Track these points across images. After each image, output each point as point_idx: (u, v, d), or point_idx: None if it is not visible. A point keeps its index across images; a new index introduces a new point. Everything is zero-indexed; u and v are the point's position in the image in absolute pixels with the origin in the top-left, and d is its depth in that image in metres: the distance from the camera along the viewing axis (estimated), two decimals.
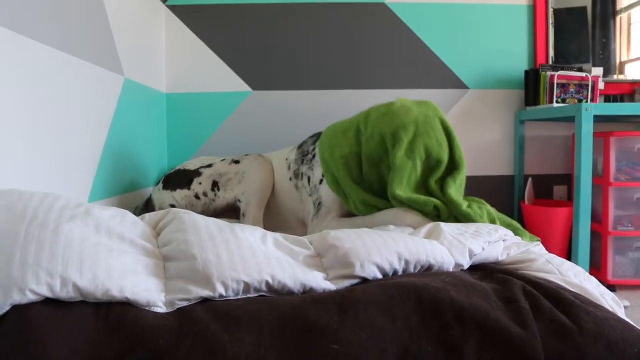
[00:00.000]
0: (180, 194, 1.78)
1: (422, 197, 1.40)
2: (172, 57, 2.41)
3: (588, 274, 1.05)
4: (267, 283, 0.84)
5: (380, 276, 0.92)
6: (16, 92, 1.16)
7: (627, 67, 2.50)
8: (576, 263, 1.79)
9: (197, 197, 1.77)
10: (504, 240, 1.17)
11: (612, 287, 2.13)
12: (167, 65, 2.40)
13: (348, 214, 1.60)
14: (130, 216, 0.97)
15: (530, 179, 2.45)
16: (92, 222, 0.86)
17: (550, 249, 1.26)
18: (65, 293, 0.74)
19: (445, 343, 0.70)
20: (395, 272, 0.94)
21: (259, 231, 0.98)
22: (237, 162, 1.81)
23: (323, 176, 1.61)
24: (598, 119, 2.04)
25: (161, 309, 0.77)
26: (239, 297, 0.82)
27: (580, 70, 2.35)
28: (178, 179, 1.82)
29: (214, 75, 2.42)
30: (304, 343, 0.69)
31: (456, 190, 1.43)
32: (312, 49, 2.43)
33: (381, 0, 2.43)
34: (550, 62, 2.46)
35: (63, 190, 1.38)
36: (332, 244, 0.95)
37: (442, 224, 1.16)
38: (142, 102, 2.07)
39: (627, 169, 2.16)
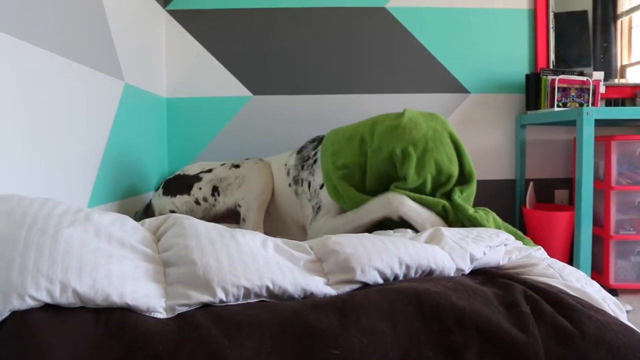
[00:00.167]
0: (180, 200, 1.78)
1: (431, 197, 1.41)
2: (172, 61, 2.41)
3: (589, 278, 1.05)
4: (268, 288, 0.83)
5: (381, 281, 0.91)
6: (17, 97, 1.16)
7: (628, 71, 2.50)
8: (578, 267, 1.78)
9: (197, 202, 1.76)
10: (505, 245, 1.17)
11: (614, 292, 2.12)
12: (167, 70, 2.41)
13: None
14: (130, 221, 0.97)
15: (531, 183, 2.44)
16: (92, 227, 0.86)
17: (551, 253, 1.26)
18: (65, 299, 0.74)
19: (446, 348, 0.70)
20: (396, 277, 0.93)
21: (260, 236, 0.98)
22: (236, 166, 1.81)
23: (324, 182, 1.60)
24: (599, 123, 2.04)
25: (161, 314, 0.77)
26: (239, 302, 0.82)
27: (581, 74, 2.35)
28: (178, 185, 1.82)
29: (214, 79, 2.42)
30: (304, 348, 0.69)
31: (463, 199, 1.43)
32: (312, 53, 2.44)
33: (381, 4, 2.43)
34: (551, 66, 2.46)
35: (63, 195, 1.38)
36: (332, 249, 0.95)
37: (443, 229, 1.16)
38: (142, 107, 2.07)
39: (628, 172, 2.16)
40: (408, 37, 2.44)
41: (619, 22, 2.48)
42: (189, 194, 1.77)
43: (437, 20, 2.44)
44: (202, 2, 2.40)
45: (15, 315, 0.71)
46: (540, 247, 1.25)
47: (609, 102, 2.48)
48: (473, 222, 1.36)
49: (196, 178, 1.80)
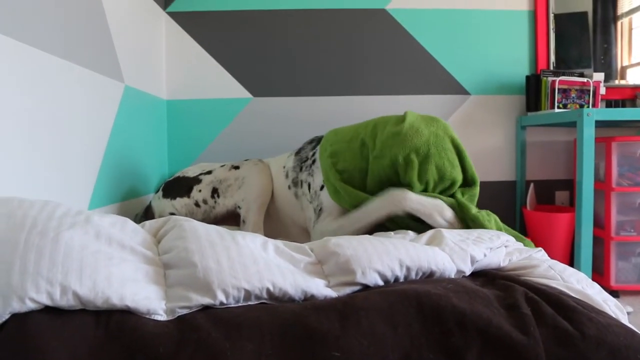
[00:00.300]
0: (180, 202, 1.77)
1: (437, 195, 1.43)
2: (172, 63, 2.41)
3: (590, 280, 1.05)
4: (268, 290, 0.83)
5: (381, 283, 0.91)
6: (17, 100, 1.16)
7: (629, 72, 2.50)
8: (578, 269, 1.78)
9: (197, 204, 1.76)
10: (505, 246, 1.16)
11: (615, 293, 2.12)
12: (168, 72, 2.41)
13: None
14: (131, 223, 0.97)
15: (531, 185, 2.44)
16: (92, 229, 0.86)
17: (552, 255, 1.25)
18: (65, 301, 0.74)
19: (447, 350, 0.69)
20: (396, 279, 0.93)
21: (260, 238, 0.98)
22: (236, 167, 1.81)
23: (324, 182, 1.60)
24: (599, 124, 2.04)
25: (161, 316, 0.76)
26: (240, 304, 0.82)
27: (582, 75, 2.35)
28: (177, 187, 1.81)
29: (215, 81, 2.42)
30: (304, 350, 0.68)
31: (466, 200, 1.43)
32: (312, 55, 2.44)
33: (381, 5, 2.43)
34: (551, 67, 2.46)
35: (63, 198, 1.38)
36: (333, 251, 0.94)
37: (444, 230, 1.16)
38: (143, 109, 2.07)
39: (629, 174, 2.16)
40: (408, 38, 2.44)
41: (619, 23, 2.48)
42: (188, 197, 1.77)
43: (437, 22, 2.44)
44: (202, 4, 2.40)
45: (16, 317, 0.70)
46: (540, 248, 1.24)
47: (610, 104, 2.48)
48: (475, 222, 1.37)
49: (196, 180, 1.80)
